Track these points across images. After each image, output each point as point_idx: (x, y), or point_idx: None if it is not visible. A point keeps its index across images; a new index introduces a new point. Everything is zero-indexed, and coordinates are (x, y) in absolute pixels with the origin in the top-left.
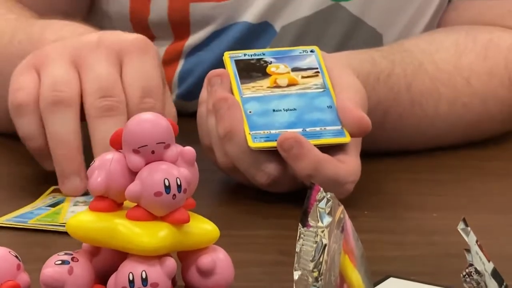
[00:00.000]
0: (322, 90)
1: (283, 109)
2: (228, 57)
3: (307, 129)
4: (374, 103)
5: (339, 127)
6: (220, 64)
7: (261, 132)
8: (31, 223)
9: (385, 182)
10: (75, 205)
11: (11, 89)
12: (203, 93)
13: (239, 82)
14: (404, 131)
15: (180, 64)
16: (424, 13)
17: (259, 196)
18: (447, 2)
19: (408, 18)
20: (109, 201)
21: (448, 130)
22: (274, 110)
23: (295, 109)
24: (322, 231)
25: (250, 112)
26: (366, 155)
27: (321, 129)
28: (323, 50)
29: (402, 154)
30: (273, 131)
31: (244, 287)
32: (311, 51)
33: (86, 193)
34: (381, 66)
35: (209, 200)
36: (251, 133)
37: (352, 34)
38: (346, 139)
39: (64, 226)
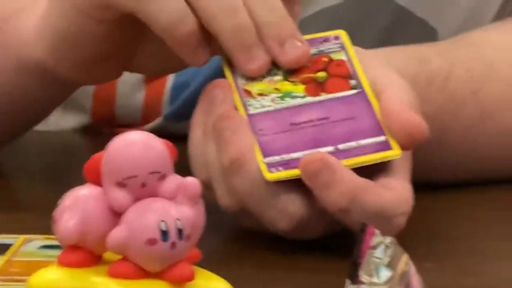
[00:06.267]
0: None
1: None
2: (227, 64)
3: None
4: (427, 114)
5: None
6: (222, 74)
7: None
8: None
9: (454, 221)
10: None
11: None
12: (198, 113)
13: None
14: (469, 155)
15: (172, 77)
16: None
17: (282, 245)
18: None
19: (468, 7)
20: (85, 253)
21: None
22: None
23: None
24: None
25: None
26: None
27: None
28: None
29: (472, 184)
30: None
31: None
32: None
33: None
34: (435, 66)
35: (217, 250)
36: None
37: (397, 28)
38: (394, 152)
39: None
